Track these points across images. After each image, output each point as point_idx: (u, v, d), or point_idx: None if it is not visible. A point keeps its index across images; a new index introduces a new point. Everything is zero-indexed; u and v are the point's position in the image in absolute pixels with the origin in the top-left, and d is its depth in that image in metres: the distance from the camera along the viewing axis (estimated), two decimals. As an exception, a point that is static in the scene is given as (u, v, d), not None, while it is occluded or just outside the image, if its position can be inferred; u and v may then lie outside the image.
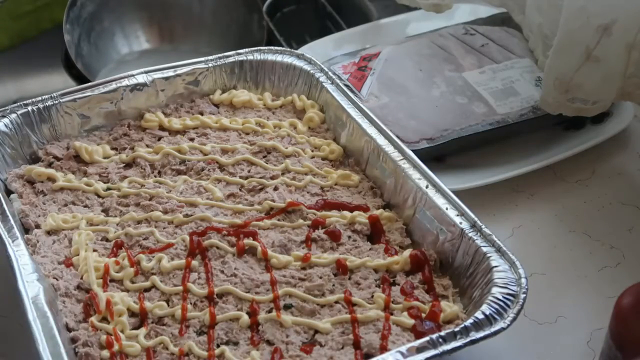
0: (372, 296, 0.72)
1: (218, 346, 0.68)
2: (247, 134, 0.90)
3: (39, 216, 0.80)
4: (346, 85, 0.95)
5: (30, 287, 0.68)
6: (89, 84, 0.91)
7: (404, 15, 1.18)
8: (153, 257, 0.75)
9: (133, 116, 0.92)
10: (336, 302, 0.71)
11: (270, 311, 0.70)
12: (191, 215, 0.79)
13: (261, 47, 0.97)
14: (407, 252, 0.75)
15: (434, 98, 0.97)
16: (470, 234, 0.73)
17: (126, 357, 0.67)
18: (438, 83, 0.99)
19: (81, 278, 0.74)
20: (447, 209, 0.75)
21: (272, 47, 0.97)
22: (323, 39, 1.12)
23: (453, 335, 0.64)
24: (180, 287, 0.72)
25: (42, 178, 0.84)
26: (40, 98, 0.87)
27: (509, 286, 0.68)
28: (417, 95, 0.97)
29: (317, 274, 0.74)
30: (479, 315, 0.66)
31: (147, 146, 0.88)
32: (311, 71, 0.94)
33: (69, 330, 0.69)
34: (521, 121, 0.95)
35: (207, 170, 0.85)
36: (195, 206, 0.81)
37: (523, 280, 0.68)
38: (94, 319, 0.69)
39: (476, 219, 0.73)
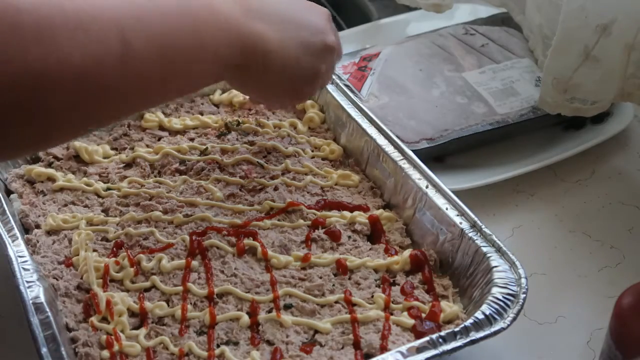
0: (372, 296, 0.72)
1: (218, 346, 0.68)
2: (247, 134, 0.90)
3: (39, 216, 0.80)
4: (346, 85, 0.95)
5: (30, 287, 0.68)
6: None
7: (404, 15, 1.18)
8: (153, 257, 0.75)
9: (133, 116, 0.92)
10: (336, 302, 0.71)
11: (270, 311, 0.70)
12: (191, 215, 0.79)
13: (261, 47, 0.97)
14: (407, 252, 0.75)
15: (434, 98, 0.97)
16: (470, 234, 0.73)
17: (126, 357, 0.67)
18: (438, 83, 0.99)
19: (81, 278, 0.74)
20: (447, 209, 0.75)
21: (272, 47, 0.97)
22: (323, 39, 1.12)
23: (453, 335, 0.64)
24: (180, 287, 0.72)
25: (42, 178, 0.84)
26: (40, 98, 0.87)
27: (509, 286, 0.68)
28: (417, 95, 0.97)
29: (317, 274, 0.74)
30: (479, 315, 0.66)
31: (147, 146, 0.88)
32: (311, 71, 0.94)
33: (69, 330, 0.69)
34: (521, 121, 0.95)
35: (207, 170, 0.85)
36: (195, 206, 0.81)
37: (523, 280, 0.68)
38: (94, 319, 0.69)
39: (476, 219, 0.73)
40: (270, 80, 0.73)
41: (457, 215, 0.75)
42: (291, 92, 0.77)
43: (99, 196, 0.83)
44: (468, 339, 0.64)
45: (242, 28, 0.68)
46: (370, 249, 0.77)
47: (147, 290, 0.73)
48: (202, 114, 0.93)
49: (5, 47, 0.50)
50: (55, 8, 0.54)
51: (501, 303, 0.66)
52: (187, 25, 0.63)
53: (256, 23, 0.69)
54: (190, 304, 0.71)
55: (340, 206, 0.81)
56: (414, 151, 0.83)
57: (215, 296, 0.71)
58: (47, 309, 0.66)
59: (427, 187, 0.78)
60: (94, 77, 0.56)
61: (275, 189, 0.83)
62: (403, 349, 0.63)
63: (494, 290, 0.68)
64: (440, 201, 0.76)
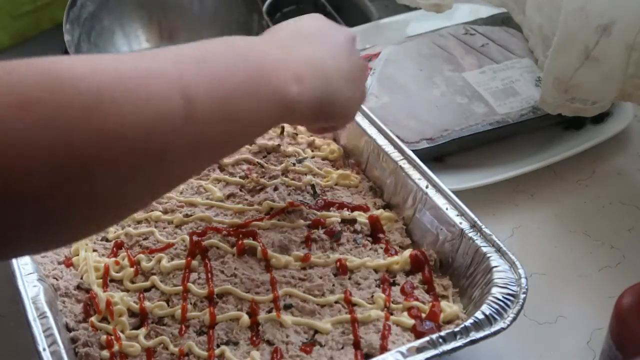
0: (372, 296, 0.72)
1: (218, 346, 0.68)
2: (247, 134, 0.90)
3: (39, 216, 0.80)
4: (346, 85, 0.95)
5: (30, 287, 0.68)
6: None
7: (404, 15, 1.18)
8: (153, 257, 0.75)
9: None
10: (336, 302, 0.71)
11: (270, 311, 0.70)
12: (191, 215, 0.79)
13: (261, 47, 0.97)
14: (407, 252, 0.75)
15: (434, 98, 0.97)
16: (470, 234, 0.73)
17: (126, 357, 0.67)
18: (438, 83, 0.99)
19: (81, 278, 0.74)
20: (447, 209, 0.75)
21: (272, 47, 0.97)
22: (323, 39, 1.12)
23: (453, 335, 0.64)
24: (180, 287, 0.72)
25: (42, 178, 0.84)
26: (40, 98, 0.87)
27: (509, 286, 0.68)
28: (417, 95, 0.97)
29: (317, 274, 0.73)
30: (479, 315, 0.66)
31: (147, 146, 0.88)
32: (311, 71, 0.94)
33: (69, 330, 0.69)
34: (521, 121, 0.95)
35: (207, 170, 0.85)
36: (195, 206, 0.81)
37: (523, 280, 0.68)
38: (94, 319, 0.69)
39: (476, 219, 0.73)
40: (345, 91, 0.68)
41: (457, 215, 0.75)
42: (360, 93, 0.73)
43: (99, 196, 0.83)
44: (468, 339, 0.64)
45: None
46: (370, 249, 0.77)
47: (147, 290, 0.73)
48: (202, 114, 0.93)
49: (58, 119, 0.46)
50: (110, 73, 0.50)
51: (501, 303, 0.66)
52: (249, 77, 0.58)
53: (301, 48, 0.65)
54: (190, 304, 0.71)
55: (340, 206, 0.81)
56: (414, 151, 0.83)
57: (215, 296, 0.71)
58: (47, 309, 0.66)
59: (427, 187, 0.78)
60: (157, 139, 0.50)
61: (275, 189, 0.83)
62: (403, 349, 0.63)
63: (494, 290, 0.68)
64: (440, 201, 0.76)
